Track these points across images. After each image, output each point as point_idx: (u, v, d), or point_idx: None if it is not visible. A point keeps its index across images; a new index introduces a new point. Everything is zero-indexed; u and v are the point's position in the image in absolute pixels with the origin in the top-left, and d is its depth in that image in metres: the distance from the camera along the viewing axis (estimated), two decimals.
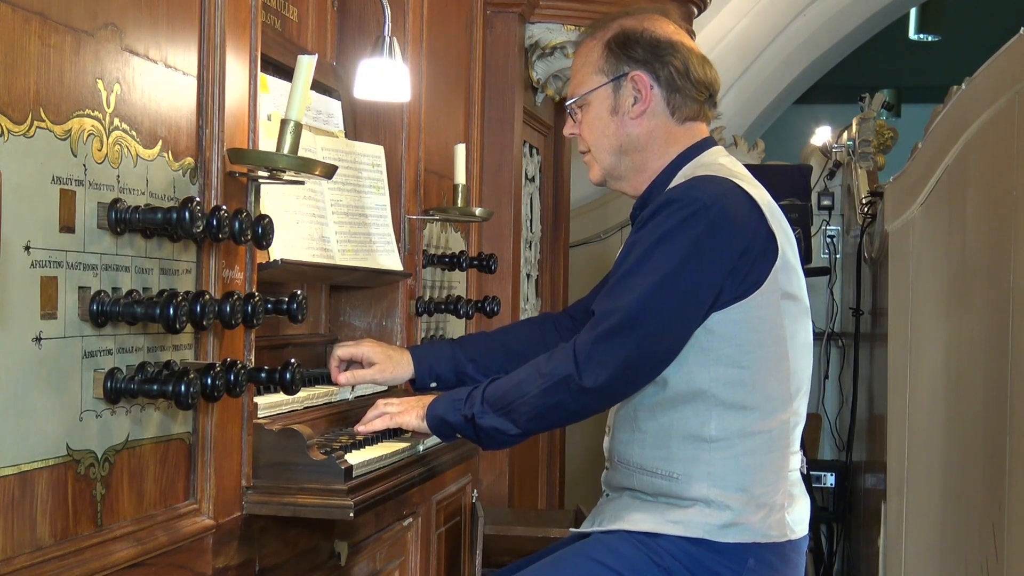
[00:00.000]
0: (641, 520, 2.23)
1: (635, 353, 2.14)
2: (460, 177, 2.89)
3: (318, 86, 2.61)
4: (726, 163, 2.32)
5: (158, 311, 1.62)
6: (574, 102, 2.39)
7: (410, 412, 2.30)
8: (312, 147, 2.46)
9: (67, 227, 1.53)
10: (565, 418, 2.26)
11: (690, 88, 2.32)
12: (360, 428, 2.34)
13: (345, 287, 2.79)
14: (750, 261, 2.18)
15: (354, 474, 2.07)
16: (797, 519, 2.28)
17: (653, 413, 2.23)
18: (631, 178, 2.38)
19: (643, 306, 2.13)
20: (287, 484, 2.02)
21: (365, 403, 2.61)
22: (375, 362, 2.52)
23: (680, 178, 2.30)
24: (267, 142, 2.10)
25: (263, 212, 2.02)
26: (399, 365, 2.55)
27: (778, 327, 2.22)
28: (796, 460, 2.31)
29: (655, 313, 2.13)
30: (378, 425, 2.32)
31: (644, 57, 2.31)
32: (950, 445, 4.16)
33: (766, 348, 2.21)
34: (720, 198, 2.17)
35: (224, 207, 1.78)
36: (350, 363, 2.54)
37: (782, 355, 2.23)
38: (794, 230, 2.37)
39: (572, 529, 2.49)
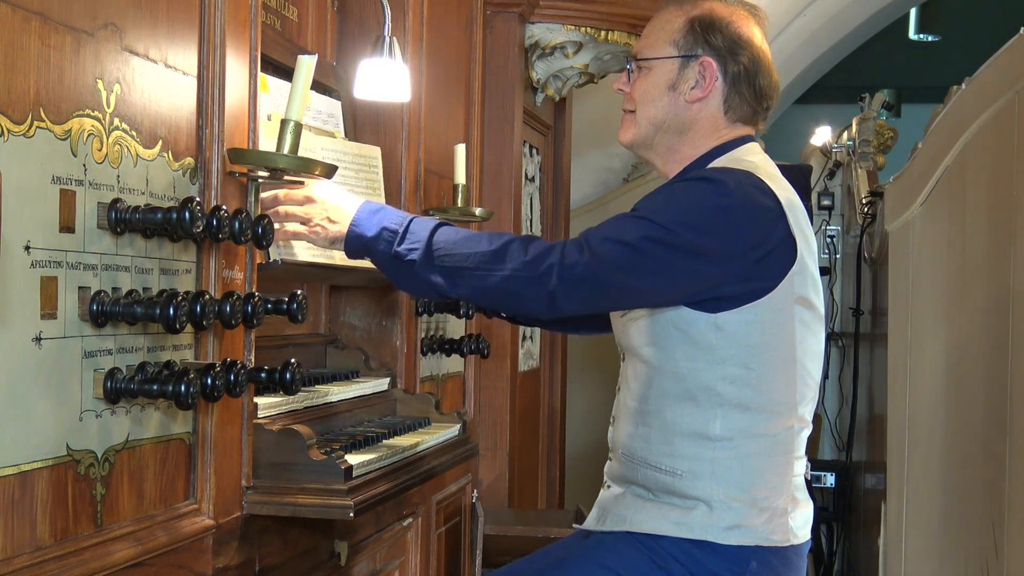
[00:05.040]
0: (643, 521, 2.22)
1: (605, 291, 2.12)
2: (460, 177, 2.89)
3: (318, 86, 2.61)
4: (758, 161, 2.30)
5: (158, 311, 1.62)
6: (636, 62, 2.35)
7: (328, 229, 2.16)
8: (312, 147, 2.46)
9: (67, 227, 1.53)
10: (512, 308, 2.25)
11: (751, 94, 2.30)
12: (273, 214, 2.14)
13: (345, 287, 2.79)
14: (758, 258, 2.15)
15: (354, 474, 2.07)
16: (800, 523, 2.27)
17: (659, 407, 2.22)
18: (663, 156, 2.35)
19: (638, 247, 2.10)
20: (287, 484, 2.02)
21: (365, 403, 2.61)
22: None
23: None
24: (267, 142, 2.10)
25: (263, 212, 2.02)
26: None
27: (789, 332, 2.20)
28: (800, 466, 2.30)
29: (644, 256, 2.10)
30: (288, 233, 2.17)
31: (721, 47, 2.28)
32: (950, 445, 4.16)
33: (775, 351, 2.19)
34: (745, 187, 2.16)
35: (224, 207, 1.78)
36: None
37: (790, 360, 2.22)
38: None
39: (576, 526, 2.48)
